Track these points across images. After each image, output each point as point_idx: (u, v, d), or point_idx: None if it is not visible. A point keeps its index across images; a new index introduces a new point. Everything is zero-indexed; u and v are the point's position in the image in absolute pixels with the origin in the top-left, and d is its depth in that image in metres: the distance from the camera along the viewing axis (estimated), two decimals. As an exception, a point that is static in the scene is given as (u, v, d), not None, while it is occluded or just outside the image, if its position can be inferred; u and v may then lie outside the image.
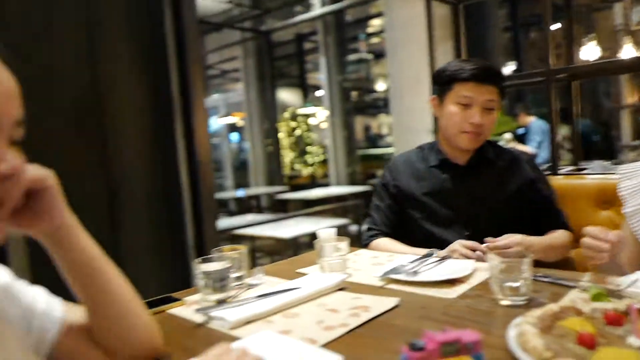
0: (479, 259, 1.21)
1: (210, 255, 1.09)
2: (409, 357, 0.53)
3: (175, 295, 1.10)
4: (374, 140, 10.30)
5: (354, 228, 5.16)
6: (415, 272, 1.08)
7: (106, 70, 2.42)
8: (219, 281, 1.03)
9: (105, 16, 2.40)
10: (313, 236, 4.36)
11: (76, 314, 0.69)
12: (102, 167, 2.32)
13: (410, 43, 4.51)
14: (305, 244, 4.55)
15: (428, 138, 4.92)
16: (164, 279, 2.49)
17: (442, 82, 1.45)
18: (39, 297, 0.68)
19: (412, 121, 5.36)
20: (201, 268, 1.03)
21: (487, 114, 1.40)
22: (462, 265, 1.12)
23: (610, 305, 0.73)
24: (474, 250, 1.25)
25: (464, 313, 0.87)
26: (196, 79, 2.82)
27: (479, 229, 1.36)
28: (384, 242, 1.51)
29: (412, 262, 1.17)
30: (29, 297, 0.66)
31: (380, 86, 10.17)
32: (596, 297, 0.78)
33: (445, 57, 3.28)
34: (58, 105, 2.10)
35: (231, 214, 7.52)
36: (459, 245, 1.27)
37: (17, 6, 1.96)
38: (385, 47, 5.20)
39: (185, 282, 2.95)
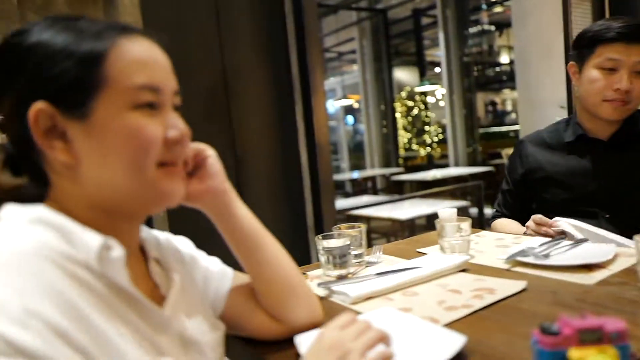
0: (547, 235, 1.14)
1: (330, 233, 1.12)
2: (540, 342, 0.49)
3: (312, 266, 1.16)
4: (496, 117, 9.68)
5: (474, 211, 4.94)
6: (547, 256, 1.00)
7: (232, 58, 2.59)
8: (340, 257, 1.06)
9: (229, 4, 2.55)
10: (429, 218, 4.28)
11: (244, 279, 0.77)
12: (229, 148, 2.51)
13: (540, 9, 4.11)
14: (421, 226, 4.47)
15: (557, 113, 4.49)
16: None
17: (582, 46, 1.29)
18: (213, 263, 0.77)
19: (540, 95, 4.93)
20: (322, 244, 1.07)
21: (636, 79, 1.22)
22: (601, 250, 1.01)
23: None
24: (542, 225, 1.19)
25: (605, 301, 0.79)
26: (315, 63, 2.89)
27: (621, 212, 1.23)
28: (501, 222, 1.45)
29: (541, 244, 1.09)
30: (206, 263, 0.76)
31: (504, 59, 9.49)
32: None
33: (583, 21, 2.94)
34: (195, 92, 2.31)
35: (347, 195, 7.67)
36: (530, 221, 1.21)
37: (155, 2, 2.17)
38: (511, 16, 4.82)
39: (304, 258, 3.09)
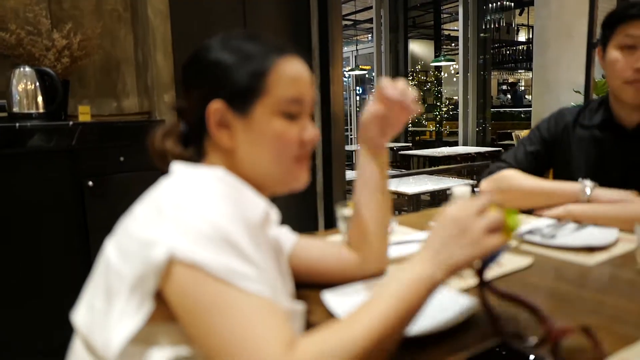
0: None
1: (347, 202, 1.18)
2: None
3: (319, 234, 1.22)
4: (510, 97, 9.60)
5: (479, 189, 4.98)
6: (553, 236, 1.07)
7: (254, 25, 2.60)
8: (357, 225, 1.12)
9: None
10: (434, 195, 4.33)
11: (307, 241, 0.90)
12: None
13: (564, -11, 4.05)
14: (425, 202, 4.53)
15: (572, 97, 4.48)
16: (293, 221, 2.69)
17: (605, 27, 1.27)
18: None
19: (555, 78, 4.90)
20: (342, 212, 1.13)
21: None
22: (604, 234, 1.07)
23: None
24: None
25: (604, 280, 0.86)
26: (336, 33, 2.89)
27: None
28: (513, 174, 1.34)
29: (548, 225, 1.15)
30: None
31: (521, 38, 9.34)
32: None
33: (610, 4, 2.90)
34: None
35: (353, 167, 7.72)
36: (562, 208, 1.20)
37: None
38: (534, -5, 4.73)
39: (312, 224, 3.17)
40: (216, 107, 0.69)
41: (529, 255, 0.99)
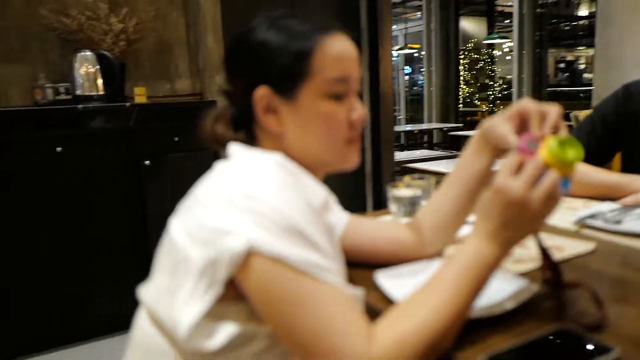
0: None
1: (397, 183, 1.16)
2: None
3: (367, 215, 1.22)
4: (568, 75, 9.12)
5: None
6: (618, 221, 1.01)
7: (302, 1, 2.59)
8: (410, 206, 1.11)
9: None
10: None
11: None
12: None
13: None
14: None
15: (637, 75, 4.19)
16: (342, 202, 2.69)
17: None
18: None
19: (620, 55, 4.60)
20: (393, 193, 1.12)
21: None
22: (677, 220, 1.01)
23: None
24: None
25: (676, 269, 0.81)
26: (385, 11, 2.84)
27: None
28: (580, 166, 1.34)
29: (612, 210, 1.09)
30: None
31: (582, 12, 8.81)
32: None
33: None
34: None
35: (402, 148, 7.62)
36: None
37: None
38: (598, -35, 4.44)
39: (360, 205, 3.17)
40: (262, 94, 0.68)
41: (591, 240, 0.94)
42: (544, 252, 0.68)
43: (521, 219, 0.58)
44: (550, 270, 0.68)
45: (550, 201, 0.57)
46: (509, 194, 0.57)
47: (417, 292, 0.59)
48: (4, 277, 2.09)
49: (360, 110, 0.72)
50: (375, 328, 0.56)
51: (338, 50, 0.69)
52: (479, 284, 0.58)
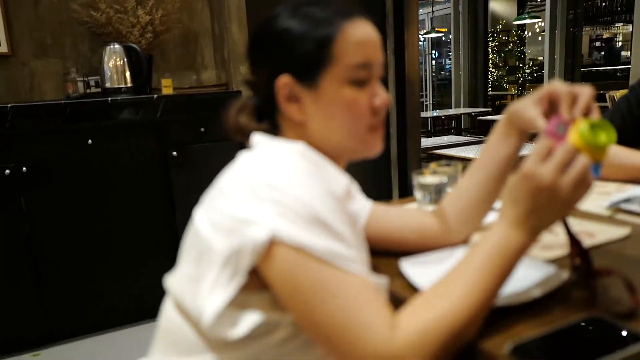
0: None
1: (423, 170, 1.15)
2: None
3: (394, 202, 1.21)
4: (604, 54, 8.76)
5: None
6: (655, 205, 0.97)
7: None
8: (436, 194, 1.09)
9: None
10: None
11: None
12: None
13: None
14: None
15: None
16: (367, 189, 2.68)
17: None
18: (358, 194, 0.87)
19: (661, 31, 4.37)
20: (419, 180, 1.11)
21: None
22: None
23: None
24: None
25: None
26: (410, -7, 2.78)
27: None
28: (611, 148, 1.30)
29: (649, 194, 1.05)
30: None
31: (619, -12, 8.42)
32: None
33: None
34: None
35: (429, 134, 7.51)
36: None
37: None
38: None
39: (386, 192, 3.15)
40: (284, 82, 0.68)
41: (626, 225, 0.91)
42: (573, 239, 0.66)
43: (550, 206, 0.56)
44: (580, 257, 0.66)
45: (581, 187, 0.56)
46: (538, 180, 0.55)
47: (442, 280, 0.58)
48: (35, 266, 2.18)
49: (383, 96, 0.70)
50: (398, 317, 0.56)
51: (360, 35, 0.68)
52: (505, 272, 0.57)
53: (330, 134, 0.70)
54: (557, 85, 0.65)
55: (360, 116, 0.69)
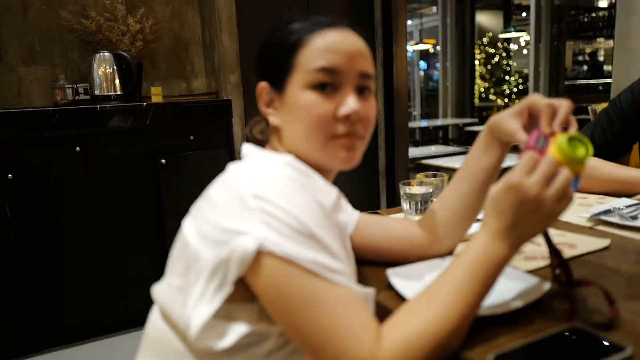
0: None
1: (410, 180, 1.17)
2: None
3: (380, 212, 1.23)
4: (587, 68, 8.94)
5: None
6: (634, 217, 1.00)
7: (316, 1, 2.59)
8: (422, 204, 1.11)
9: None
10: (501, 173, 4.21)
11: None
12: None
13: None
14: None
15: (661, 67, 4.08)
16: (355, 199, 2.69)
17: None
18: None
19: (641, 46, 4.49)
20: (406, 190, 1.12)
21: None
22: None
23: None
24: None
25: (692, 266, 0.80)
26: (400, 7, 2.82)
27: None
28: (591, 163, 1.25)
29: (628, 205, 1.08)
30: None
31: (602, 4, 8.62)
32: None
33: None
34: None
35: (416, 144, 7.57)
36: None
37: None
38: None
39: (374, 202, 3.17)
40: (262, 87, 0.73)
41: (606, 236, 0.94)
42: (553, 250, 0.68)
43: (534, 217, 0.57)
44: (560, 268, 0.68)
45: (564, 200, 0.57)
46: (524, 192, 0.56)
47: (425, 291, 0.59)
48: (22, 274, 2.15)
49: (350, 105, 0.68)
50: (383, 329, 0.56)
51: (327, 41, 0.68)
52: (487, 283, 0.58)
53: (293, 139, 0.71)
54: (536, 98, 0.66)
55: (319, 122, 0.67)
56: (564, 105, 0.64)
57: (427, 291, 0.59)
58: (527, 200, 0.56)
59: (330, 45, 0.68)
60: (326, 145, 0.69)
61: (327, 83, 0.68)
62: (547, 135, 0.61)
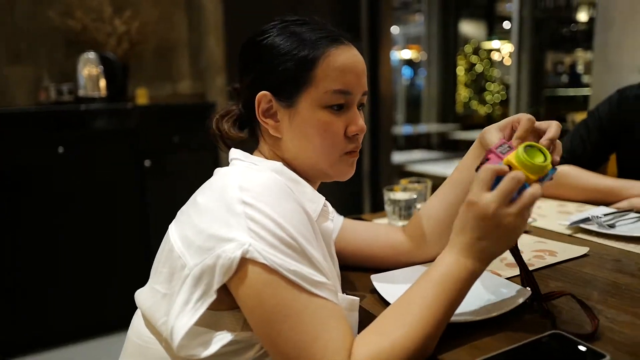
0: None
1: (394, 186, 1.19)
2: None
3: (364, 217, 1.24)
4: (566, 79, 9.14)
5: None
6: (612, 225, 1.04)
7: (303, 1, 2.60)
8: (405, 210, 1.13)
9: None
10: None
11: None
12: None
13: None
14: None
15: (636, 79, 4.20)
16: (339, 203, 2.71)
17: None
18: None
19: (618, 58, 4.60)
20: (389, 196, 1.14)
21: None
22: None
23: None
24: None
25: (666, 273, 0.83)
26: (386, 14, 2.85)
27: None
28: (569, 171, 1.30)
29: (607, 214, 1.11)
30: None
31: (582, 17, 8.83)
32: None
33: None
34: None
35: (399, 149, 7.62)
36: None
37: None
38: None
39: (357, 207, 3.19)
40: (263, 96, 0.70)
41: (585, 244, 0.97)
42: (521, 266, 0.69)
43: (496, 233, 0.57)
44: (527, 283, 0.70)
45: (525, 215, 0.57)
46: (481, 208, 0.57)
47: (395, 307, 0.59)
48: (6, 276, 2.11)
49: (359, 124, 0.72)
50: (353, 345, 0.56)
51: (343, 62, 0.69)
52: (456, 299, 0.58)
53: (303, 154, 0.71)
54: (522, 116, 0.69)
55: (333, 140, 0.70)
56: (553, 124, 0.66)
57: (397, 308, 0.59)
58: (487, 216, 0.56)
59: (345, 65, 0.69)
60: (337, 161, 0.72)
61: (342, 104, 0.70)
62: (512, 145, 0.63)
